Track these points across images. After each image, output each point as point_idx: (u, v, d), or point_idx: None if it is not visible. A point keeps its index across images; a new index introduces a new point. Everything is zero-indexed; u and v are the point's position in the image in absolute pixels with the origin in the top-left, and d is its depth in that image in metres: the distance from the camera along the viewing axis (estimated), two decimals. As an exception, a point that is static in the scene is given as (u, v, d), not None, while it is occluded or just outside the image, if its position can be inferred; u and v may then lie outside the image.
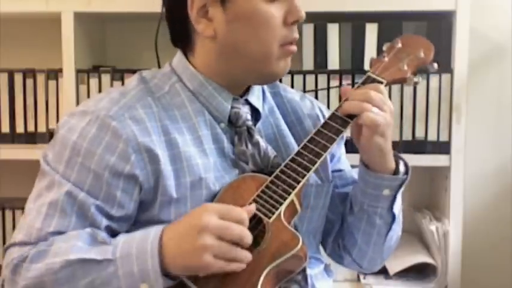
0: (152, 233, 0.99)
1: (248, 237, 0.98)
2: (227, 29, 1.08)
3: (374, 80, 1.17)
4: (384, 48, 1.24)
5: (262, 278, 0.99)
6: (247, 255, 0.98)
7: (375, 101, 1.12)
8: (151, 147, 1.05)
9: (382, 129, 1.11)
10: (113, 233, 1.06)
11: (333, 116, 1.14)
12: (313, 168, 1.09)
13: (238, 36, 1.09)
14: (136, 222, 1.08)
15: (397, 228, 1.25)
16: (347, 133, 1.23)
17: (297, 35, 1.12)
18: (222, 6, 1.07)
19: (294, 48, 1.13)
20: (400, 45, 1.22)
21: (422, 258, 1.69)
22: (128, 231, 1.08)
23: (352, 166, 1.36)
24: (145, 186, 1.05)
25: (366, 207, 1.20)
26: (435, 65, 1.23)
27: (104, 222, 1.04)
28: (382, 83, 1.17)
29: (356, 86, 1.18)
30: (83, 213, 1.03)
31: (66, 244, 1.00)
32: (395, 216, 1.21)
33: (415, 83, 1.20)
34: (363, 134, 1.13)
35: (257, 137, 1.15)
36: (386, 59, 1.21)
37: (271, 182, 1.08)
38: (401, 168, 1.18)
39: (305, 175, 1.08)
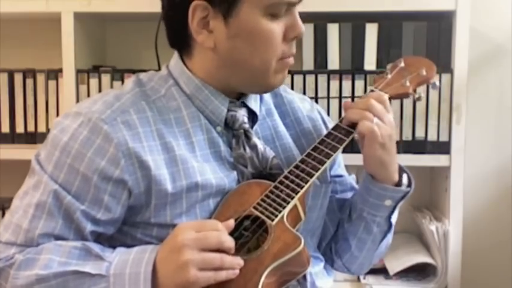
0: (147, 255, 0.99)
1: (228, 241, 0.98)
2: (228, 42, 1.08)
3: None
4: (388, 67, 1.27)
5: (263, 278, 0.99)
6: (234, 261, 0.98)
7: (376, 110, 1.13)
8: (141, 153, 1.05)
9: (382, 141, 1.13)
10: (100, 236, 1.07)
11: (337, 127, 1.16)
12: (316, 175, 1.10)
13: (239, 51, 1.09)
14: (133, 224, 1.08)
15: (390, 237, 1.27)
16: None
17: (294, 50, 1.13)
18: (225, 20, 1.07)
19: (291, 60, 1.13)
20: (403, 64, 1.25)
21: (422, 258, 1.70)
22: (123, 232, 1.09)
23: (352, 166, 1.36)
24: (136, 191, 1.05)
25: (365, 215, 1.22)
26: (437, 83, 1.27)
27: (89, 227, 1.05)
28: None
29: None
30: (68, 216, 1.04)
31: (60, 259, 1.00)
32: (391, 226, 1.24)
33: (417, 99, 1.24)
34: (363, 144, 1.14)
35: (254, 139, 1.15)
36: (389, 76, 1.23)
37: (275, 187, 1.09)
38: (405, 180, 1.20)
39: (308, 181, 1.09)
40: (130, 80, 1.16)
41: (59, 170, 1.05)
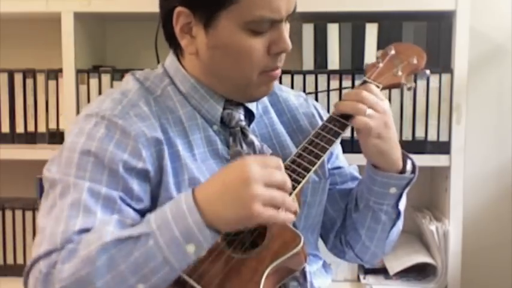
0: (183, 196, 0.95)
1: (289, 182, 0.96)
2: (208, 52, 1.08)
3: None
4: (378, 54, 1.26)
5: (264, 277, 0.99)
6: (292, 203, 0.95)
7: (368, 101, 1.14)
8: (158, 142, 1.05)
9: (377, 131, 1.13)
10: None
11: (331, 119, 1.16)
12: (313, 169, 1.10)
13: (218, 62, 1.09)
14: None
15: (400, 224, 1.26)
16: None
17: (280, 64, 1.11)
18: (205, 30, 1.07)
19: (277, 73, 1.12)
20: (393, 51, 1.25)
21: (422, 258, 1.70)
22: None
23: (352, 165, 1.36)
24: (154, 181, 1.05)
25: (371, 204, 1.21)
26: (427, 72, 1.27)
27: (131, 211, 1.01)
28: (378, 87, 1.20)
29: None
30: (108, 206, 0.99)
31: (95, 234, 0.93)
32: (400, 213, 1.23)
33: (409, 88, 1.24)
34: (359, 136, 1.15)
35: (251, 136, 1.15)
36: (380, 64, 1.23)
37: None
38: (409, 167, 1.20)
39: (305, 176, 1.09)
40: (129, 78, 1.16)
41: (83, 170, 1.02)
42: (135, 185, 1.03)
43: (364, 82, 1.21)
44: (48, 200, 1.02)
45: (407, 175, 1.19)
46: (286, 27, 1.09)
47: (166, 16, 1.10)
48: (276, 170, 0.95)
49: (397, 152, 1.18)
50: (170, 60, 1.17)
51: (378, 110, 1.14)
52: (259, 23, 1.05)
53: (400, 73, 1.21)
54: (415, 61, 1.22)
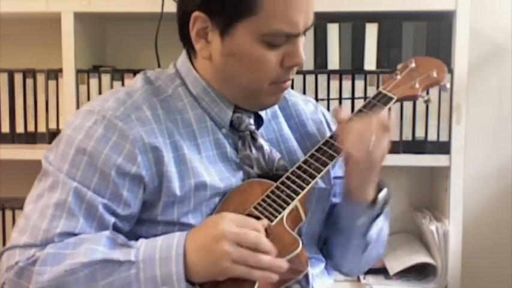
0: (176, 240, 0.98)
1: (265, 244, 0.98)
2: (222, 58, 1.09)
3: (385, 96, 1.19)
4: (398, 67, 1.25)
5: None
6: (272, 262, 0.97)
7: (368, 140, 1.09)
8: (157, 148, 1.05)
9: (368, 171, 1.11)
10: (117, 231, 1.06)
11: None
12: (318, 176, 1.10)
13: (231, 69, 1.09)
14: (139, 221, 1.08)
15: (375, 249, 1.23)
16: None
17: (292, 76, 1.12)
18: (221, 37, 1.07)
19: (287, 85, 1.13)
20: (413, 65, 1.24)
21: (422, 258, 1.70)
22: (130, 231, 1.08)
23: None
24: (150, 186, 1.05)
25: (342, 228, 1.21)
26: (448, 85, 1.25)
27: (112, 220, 1.04)
28: (392, 98, 1.19)
29: (367, 101, 1.20)
30: (90, 213, 1.02)
31: (86, 246, 0.98)
32: (368, 243, 1.20)
33: (426, 101, 1.22)
34: (346, 168, 1.13)
35: (260, 140, 1.15)
36: (398, 76, 1.22)
37: (276, 187, 1.09)
38: (380, 197, 1.16)
39: (310, 182, 1.09)
40: (139, 78, 1.16)
41: (76, 168, 1.04)
42: (126, 191, 1.04)
43: (379, 93, 1.20)
44: (39, 187, 1.06)
45: (376, 208, 1.16)
46: (301, 40, 1.09)
47: (183, 18, 1.10)
48: (251, 231, 0.97)
49: (374, 183, 1.15)
50: (182, 60, 1.17)
51: (378, 147, 1.10)
52: (275, 36, 1.05)
53: (417, 85, 1.20)
54: (434, 74, 1.21)
